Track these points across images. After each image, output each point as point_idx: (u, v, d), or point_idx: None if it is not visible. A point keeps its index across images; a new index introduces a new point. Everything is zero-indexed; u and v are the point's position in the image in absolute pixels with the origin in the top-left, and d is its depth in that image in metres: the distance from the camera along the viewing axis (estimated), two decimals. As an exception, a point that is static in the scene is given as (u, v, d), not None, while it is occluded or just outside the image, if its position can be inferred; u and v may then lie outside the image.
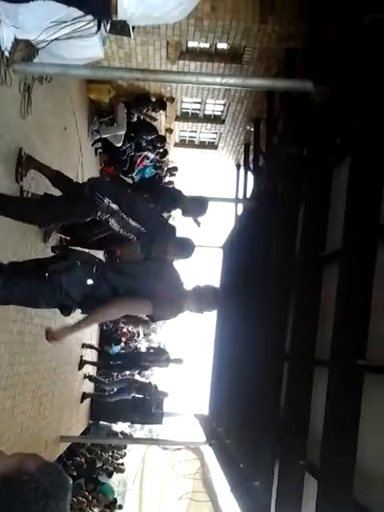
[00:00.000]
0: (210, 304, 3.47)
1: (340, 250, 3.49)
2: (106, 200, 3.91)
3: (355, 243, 3.20)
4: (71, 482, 1.42)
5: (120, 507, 11.07)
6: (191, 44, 7.44)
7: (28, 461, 1.37)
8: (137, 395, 10.91)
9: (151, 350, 11.55)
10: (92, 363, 10.31)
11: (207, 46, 7.41)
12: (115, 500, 11.27)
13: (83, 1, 3.29)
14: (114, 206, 3.95)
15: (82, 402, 9.61)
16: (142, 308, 3.27)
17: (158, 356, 10.78)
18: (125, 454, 12.30)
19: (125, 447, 12.41)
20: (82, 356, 9.15)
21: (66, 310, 3.46)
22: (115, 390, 10.75)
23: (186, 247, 4.16)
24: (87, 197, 3.94)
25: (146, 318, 3.49)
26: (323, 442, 3.25)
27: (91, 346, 10.08)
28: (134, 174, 10.40)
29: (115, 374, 11.81)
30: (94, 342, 10.99)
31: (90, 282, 3.24)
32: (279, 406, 4.57)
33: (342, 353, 3.19)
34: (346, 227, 3.35)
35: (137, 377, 11.70)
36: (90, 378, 10.18)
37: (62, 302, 3.31)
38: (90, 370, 10.48)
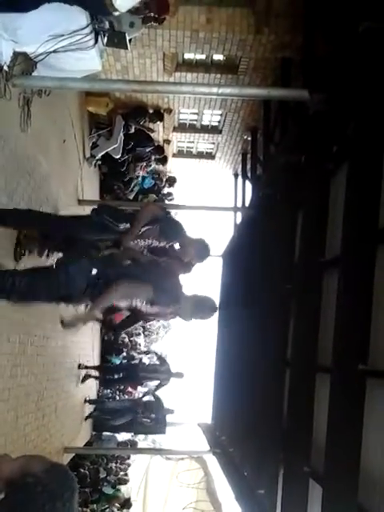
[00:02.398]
0: (204, 315, 3.60)
1: (340, 256, 3.51)
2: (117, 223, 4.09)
3: (355, 248, 3.22)
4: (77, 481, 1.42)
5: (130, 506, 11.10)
6: (187, 56, 7.52)
7: (32, 463, 1.38)
8: (142, 416, 10.72)
9: (152, 360, 11.45)
10: (95, 377, 10.23)
11: (203, 57, 7.49)
12: (128, 498, 11.31)
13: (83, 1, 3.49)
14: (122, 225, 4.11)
15: (85, 420, 9.60)
16: (143, 290, 3.36)
17: (158, 367, 10.69)
18: (129, 465, 12.27)
19: (128, 457, 12.37)
20: (84, 366, 9.12)
21: (69, 302, 3.54)
22: (117, 409, 10.60)
23: (203, 247, 4.22)
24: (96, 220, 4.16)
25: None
26: (327, 448, 3.25)
27: (92, 367, 10.01)
28: (133, 186, 10.47)
29: (117, 386, 11.75)
30: (96, 352, 10.96)
31: (94, 271, 3.35)
32: (282, 413, 4.57)
33: (344, 358, 3.20)
34: (345, 232, 3.37)
35: (139, 395, 11.62)
36: (90, 401, 10.05)
37: (67, 293, 3.38)
38: (90, 389, 10.40)
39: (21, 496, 1.29)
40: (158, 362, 10.75)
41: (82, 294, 3.40)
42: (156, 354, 11.40)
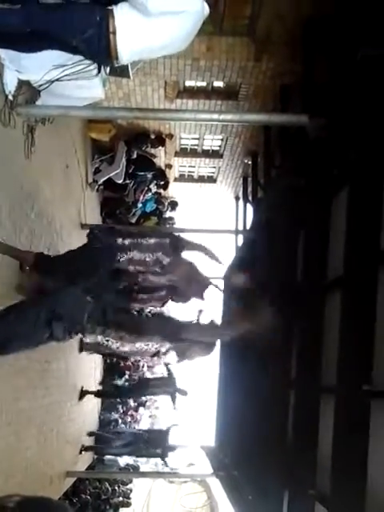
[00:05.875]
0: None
1: (341, 277, 3.55)
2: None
3: (357, 269, 3.26)
4: None
5: None
6: (188, 83, 7.67)
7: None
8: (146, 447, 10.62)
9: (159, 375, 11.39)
10: (96, 394, 10.12)
11: (204, 84, 7.64)
12: None
13: (88, 51, 3.58)
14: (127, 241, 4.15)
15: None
16: None
17: (166, 381, 10.64)
18: (131, 489, 12.13)
19: (130, 481, 12.24)
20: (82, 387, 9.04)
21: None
22: (121, 444, 10.50)
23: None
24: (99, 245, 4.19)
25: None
26: (332, 470, 3.24)
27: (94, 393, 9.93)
28: (135, 210, 10.59)
29: (119, 407, 11.67)
30: (98, 375, 10.90)
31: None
32: (287, 434, 4.55)
33: (348, 379, 3.21)
34: (347, 254, 3.42)
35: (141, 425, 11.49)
36: (91, 434, 9.91)
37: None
38: (92, 413, 10.26)
39: None
40: (166, 375, 10.71)
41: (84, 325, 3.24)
42: (166, 366, 11.24)
